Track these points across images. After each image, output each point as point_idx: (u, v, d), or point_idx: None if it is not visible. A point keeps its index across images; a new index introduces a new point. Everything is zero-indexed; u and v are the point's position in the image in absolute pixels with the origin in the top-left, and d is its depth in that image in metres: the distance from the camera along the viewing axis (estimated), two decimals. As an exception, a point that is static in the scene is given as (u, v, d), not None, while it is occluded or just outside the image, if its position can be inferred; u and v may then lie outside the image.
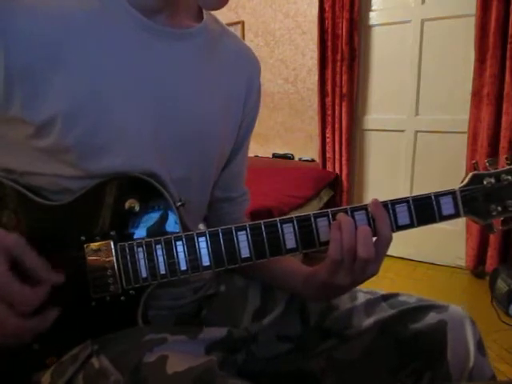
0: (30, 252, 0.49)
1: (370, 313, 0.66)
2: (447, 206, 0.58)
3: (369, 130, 2.65)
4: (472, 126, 2.17)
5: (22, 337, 0.50)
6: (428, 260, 2.52)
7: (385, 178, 2.63)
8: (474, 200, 0.58)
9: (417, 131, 2.46)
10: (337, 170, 2.70)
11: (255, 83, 0.74)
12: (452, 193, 0.58)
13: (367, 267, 0.54)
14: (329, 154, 2.72)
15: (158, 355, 0.51)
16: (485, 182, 0.58)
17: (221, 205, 0.76)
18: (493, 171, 0.59)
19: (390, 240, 0.55)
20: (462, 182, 0.59)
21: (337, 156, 2.68)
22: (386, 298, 0.68)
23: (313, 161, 2.94)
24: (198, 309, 0.74)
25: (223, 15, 2.90)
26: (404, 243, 2.42)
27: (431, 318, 0.62)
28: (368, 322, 0.65)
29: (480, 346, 0.59)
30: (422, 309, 0.64)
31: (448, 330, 0.60)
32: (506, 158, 0.58)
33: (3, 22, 0.49)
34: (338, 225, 0.54)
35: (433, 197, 0.57)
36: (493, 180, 0.58)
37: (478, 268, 2.28)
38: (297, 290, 0.67)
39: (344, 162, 2.65)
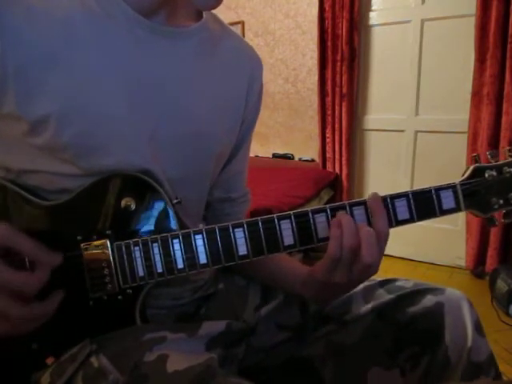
0: (22, 238, 0.48)
1: (368, 299, 0.67)
2: (448, 200, 0.57)
3: (369, 130, 2.65)
4: (472, 125, 2.16)
5: (28, 325, 0.50)
6: (428, 260, 2.52)
7: (385, 178, 2.63)
8: (475, 194, 0.57)
9: (417, 131, 2.46)
10: (337, 170, 2.69)
11: (257, 82, 0.73)
12: (452, 186, 0.57)
13: (369, 269, 0.54)
14: (329, 154, 2.71)
15: (157, 354, 0.50)
16: (486, 175, 0.57)
17: (221, 205, 0.76)
18: (494, 163, 0.58)
19: (387, 236, 0.55)
20: (463, 175, 0.58)
21: (337, 156, 2.67)
22: (383, 283, 0.68)
23: (313, 161, 2.93)
24: (198, 308, 0.73)
25: (223, 15, 2.88)
26: (404, 243, 2.42)
27: (428, 300, 0.62)
28: (366, 307, 0.66)
29: (478, 326, 0.59)
30: (419, 292, 0.64)
31: (445, 312, 0.60)
32: (509, 150, 0.57)
33: (1, 20, 0.48)
34: (338, 222, 0.54)
35: (433, 191, 0.57)
36: (494, 173, 0.57)
37: (477, 268, 2.28)
38: (296, 291, 0.66)
39: (344, 161, 2.64)
